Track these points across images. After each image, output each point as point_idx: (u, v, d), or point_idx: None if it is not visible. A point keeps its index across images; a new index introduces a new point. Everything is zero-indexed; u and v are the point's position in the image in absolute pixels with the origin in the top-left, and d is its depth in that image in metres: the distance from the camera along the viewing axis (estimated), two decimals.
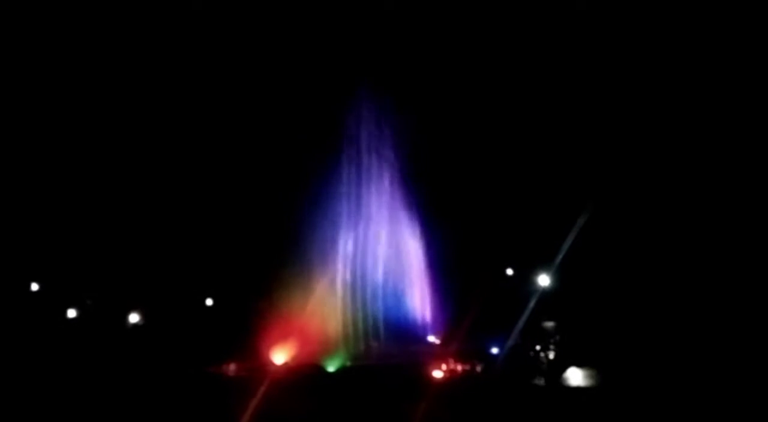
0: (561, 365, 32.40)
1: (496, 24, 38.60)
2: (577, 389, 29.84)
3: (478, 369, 31.75)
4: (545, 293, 35.55)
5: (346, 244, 37.30)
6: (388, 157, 37.93)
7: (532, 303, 34.62)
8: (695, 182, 36.60)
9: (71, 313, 39.40)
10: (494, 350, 32.61)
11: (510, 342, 32.75)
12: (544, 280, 35.99)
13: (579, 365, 32.32)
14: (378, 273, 37.64)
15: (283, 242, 36.50)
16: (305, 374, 30.29)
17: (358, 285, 37.12)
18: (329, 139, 37.39)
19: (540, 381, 30.46)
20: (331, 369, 32.96)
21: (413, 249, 38.77)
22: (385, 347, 36.09)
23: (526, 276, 37.38)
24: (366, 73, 37.30)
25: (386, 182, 38.17)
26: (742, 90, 36.20)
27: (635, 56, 37.84)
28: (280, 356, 34.06)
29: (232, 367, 32.52)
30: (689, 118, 36.83)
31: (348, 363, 33.85)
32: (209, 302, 40.99)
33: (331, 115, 37.56)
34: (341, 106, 37.58)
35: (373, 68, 37.21)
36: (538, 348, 33.41)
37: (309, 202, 36.43)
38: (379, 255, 37.86)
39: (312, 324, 35.46)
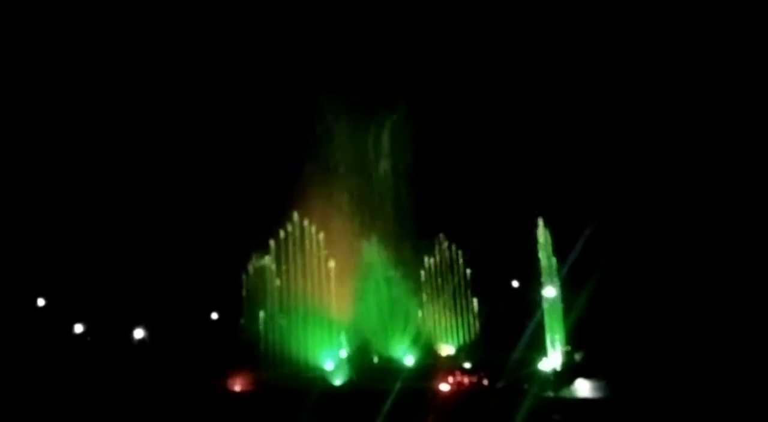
0: (568, 376, 32.24)
1: (497, 24, 38.80)
2: (585, 400, 29.65)
3: (485, 381, 31.48)
4: (552, 306, 35.41)
5: (352, 256, 37.33)
6: (393, 165, 37.98)
7: (538, 316, 34.53)
8: (695, 187, 36.61)
9: (78, 328, 39.43)
10: (499, 362, 32.34)
11: (517, 354, 32.58)
12: (549, 292, 35.86)
13: (586, 376, 32.16)
14: (384, 286, 37.62)
15: (287, 254, 36.63)
16: (311, 387, 30.15)
17: (364, 298, 37.11)
18: (330, 141, 37.50)
19: (548, 393, 30.22)
20: (337, 382, 32.85)
21: (420, 262, 38.81)
22: (391, 360, 36.01)
23: (531, 288, 37.23)
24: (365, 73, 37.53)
25: (391, 193, 38.20)
26: (742, 90, 36.23)
27: (635, 56, 37.97)
28: (286, 369, 34.07)
29: (237, 381, 32.40)
30: (689, 118, 36.88)
31: (353, 377, 33.74)
32: (214, 316, 41.02)
33: (329, 116, 37.73)
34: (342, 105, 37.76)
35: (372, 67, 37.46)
36: (545, 359, 33.24)
37: (315, 212, 36.61)
38: (386, 268, 37.85)
39: (317, 336, 35.49)
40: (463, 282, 39.14)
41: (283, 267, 36.12)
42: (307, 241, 36.29)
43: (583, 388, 31.18)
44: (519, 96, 39.12)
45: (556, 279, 35.09)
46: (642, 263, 36.74)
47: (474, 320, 38.97)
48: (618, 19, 37.62)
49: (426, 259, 38.77)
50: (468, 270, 39.18)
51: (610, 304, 34.91)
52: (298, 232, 36.33)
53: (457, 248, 39.19)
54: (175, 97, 39.77)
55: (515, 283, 40.96)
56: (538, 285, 35.75)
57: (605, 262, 35.02)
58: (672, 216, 37.14)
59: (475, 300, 38.94)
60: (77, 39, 39.85)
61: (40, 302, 40.43)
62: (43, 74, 40.26)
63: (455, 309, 38.92)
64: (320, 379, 32.45)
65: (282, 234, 36.30)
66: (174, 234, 40.20)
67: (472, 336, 38.70)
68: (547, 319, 34.45)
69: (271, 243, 36.24)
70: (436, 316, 38.82)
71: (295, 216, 36.24)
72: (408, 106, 37.46)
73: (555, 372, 32.47)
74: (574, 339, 34.55)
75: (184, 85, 39.92)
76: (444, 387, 30.53)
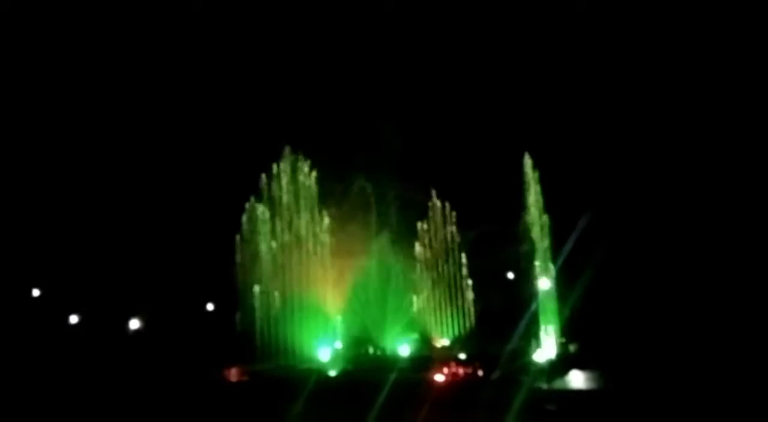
0: (563, 367, 32.40)
1: (497, 23, 38.78)
2: (579, 391, 29.81)
3: (480, 372, 31.60)
4: (547, 297, 35.54)
5: (348, 249, 37.38)
6: (393, 157, 38.02)
7: (533, 307, 34.67)
8: (693, 183, 36.68)
9: (73, 319, 39.43)
10: (494, 353, 32.48)
11: (511, 345, 32.71)
12: (544, 284, 35.97)
13: (580, 367, 32.33)
14: (380, 277, 37.72)
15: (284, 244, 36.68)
16: (306, 378, 30.25)
17: (359, 289, 37.21)
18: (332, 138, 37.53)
19: (542, 384, 30.36)
20: (332, 372, 32.95)
21: (415, 254, 38.88)
22: (386, 350, 36.12)
23: (527, 279, 37.35)
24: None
25: (389, 185, 38.25)
26: (742, 90, 36.26)
27: (635, 56, 37.97)
28: (281, 360, 34.15)
29: (233, 372, 32.47)
30: (689, 118, 36.91)
31: (349, 367, 33.85)
32: (210, 307, 41.04)
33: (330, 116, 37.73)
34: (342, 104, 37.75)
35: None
36: (539, 350, 33.41)
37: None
38: (382, 259, 37.94)
39: (312, 327, 35.58)
40: (458, 272, 39.17)
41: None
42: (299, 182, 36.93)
43: (577, 379, 31.35)
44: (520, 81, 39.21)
45: (551, 271, 35.23)
46: (637, 255, 36.85)
47: (469, 311, 39.07)
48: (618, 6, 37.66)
49: (420, 225, 38.76)
50: (463, 258, 39.14)
51: (605, 296, 35.03)
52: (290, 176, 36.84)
53: (451, 209, 39.14)
54: (168, 90, 39.74)
55: (510, 275, 41.02)
56: (533, 277, 35.91)
57: (600, 254, 35.11)
58: (667, 208, 37.23)
59: (470, 289, 38.95)
60: (72, 37, 39.81)
61: (36, 293, 40.42)
62: (37, 68, 40.16)
63: (450, 300, 38.97)
64: (316, 370, 32.54)
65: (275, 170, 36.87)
66: (167, 221, 40.17)
67: (468, 327, 38.82)
68: (541, 311, 34.61)
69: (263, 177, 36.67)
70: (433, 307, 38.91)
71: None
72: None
73: (549, 364, 32.64)
74: (568, 331, 34.72)
75: (176, 79, 39.94)
76: (439, 377, 30.60)
